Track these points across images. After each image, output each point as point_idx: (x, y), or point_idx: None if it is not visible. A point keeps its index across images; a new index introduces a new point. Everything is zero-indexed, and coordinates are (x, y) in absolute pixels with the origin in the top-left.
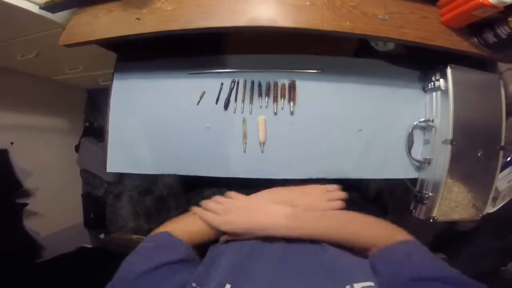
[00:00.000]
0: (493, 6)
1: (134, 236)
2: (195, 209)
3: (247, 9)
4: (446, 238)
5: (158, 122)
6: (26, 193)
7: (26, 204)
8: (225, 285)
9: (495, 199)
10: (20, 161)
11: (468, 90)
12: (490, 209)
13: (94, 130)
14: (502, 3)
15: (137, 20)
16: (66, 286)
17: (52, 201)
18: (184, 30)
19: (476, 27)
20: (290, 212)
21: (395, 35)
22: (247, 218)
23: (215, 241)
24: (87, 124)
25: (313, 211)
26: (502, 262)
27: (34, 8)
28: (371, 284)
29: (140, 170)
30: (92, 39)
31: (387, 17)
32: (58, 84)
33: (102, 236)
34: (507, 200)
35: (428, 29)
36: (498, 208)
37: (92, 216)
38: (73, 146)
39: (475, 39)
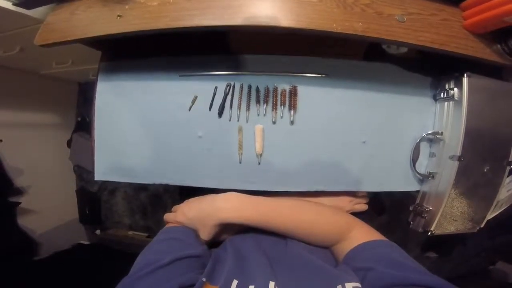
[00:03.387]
0: None
1: (130, 232)
2: (166, 215)
3: (244, 5)
4: (439, 238)
5: (148, 129)
6: (19, 191)
7: (18, 203)
8: (232, 281)
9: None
10: (10, 158)
11: (484, 102)
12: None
13: (87, 125)
14: None
15: (118, 18)
16: (65, 283)
17: (46, 198)
18: (171, 29)
19: (501, 33)
20: (240, 195)
21: (413, 40)
22: (198, 202)
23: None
24: (79, 118)
25: (266, 199)
26: (492, 261)
27: (7, 5)
28: (358, 285)
29: (130, 179)
30: (69, 38)
31: (405, 18)
32: (47, 78)
33: (98, 232)
34: (504, 208)
35: (448, 33)
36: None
37: (87, 211)
38: (65, 141)
39: (499, 46)
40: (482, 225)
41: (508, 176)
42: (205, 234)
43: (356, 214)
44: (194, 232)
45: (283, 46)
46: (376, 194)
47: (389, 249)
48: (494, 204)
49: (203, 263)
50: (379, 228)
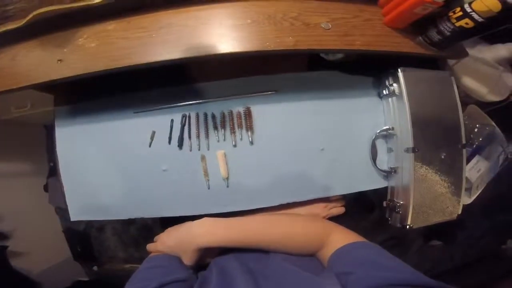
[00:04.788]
0: (432, 1)
1: (127, 265)
2: (149, 245)
3: (181, 37)
4: (439, 225)
5: (113, 168)
6: (3, 236)
7: (6, 246)
8: None
9: (469, 190)
10: None
11: (423, 92)
12: (467, 200)
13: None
14: None
15: (59, 62)
16: None
17: (34, 240)
18: (112, 69)
19: (420, 26)
20: (213, 219)
21: (341, 45)
22: (176, 231)
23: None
24: (51, 164)
25: (238, 219)
26: (500, 240)
27: None
28: None
29: (105, 216)
30: (15, 87)
31: (330, 25)
32: (11, 124)
33: (95, 268)
34: (481, 189)
35: (372, 33)
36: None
37: (79, 249)
38: (41, 186)
39: (421, 38)
40: (460, 211)
41: (474, 157)
42: (187, 259)
43: (343, 216)
44: (178, 258)
45: (231, 70)
46: (361, 193)
47: (366, 250)
48: (463, 188)
49: (190, 286)
50: (374, 225)
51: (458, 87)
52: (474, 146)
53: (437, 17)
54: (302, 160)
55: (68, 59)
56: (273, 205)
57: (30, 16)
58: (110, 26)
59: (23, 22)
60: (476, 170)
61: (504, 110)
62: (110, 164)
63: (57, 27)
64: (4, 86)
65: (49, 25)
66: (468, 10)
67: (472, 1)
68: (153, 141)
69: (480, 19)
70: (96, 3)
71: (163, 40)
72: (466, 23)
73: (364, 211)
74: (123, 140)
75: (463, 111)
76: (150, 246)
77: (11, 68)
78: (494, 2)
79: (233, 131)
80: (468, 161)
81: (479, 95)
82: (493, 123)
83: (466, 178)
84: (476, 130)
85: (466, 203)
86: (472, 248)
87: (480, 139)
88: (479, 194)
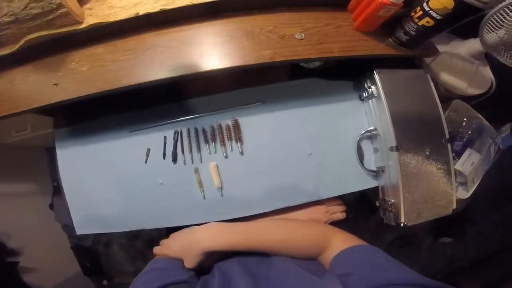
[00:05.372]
0: (392, 3)
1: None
2: (155, 248)
3: (167, 59)
4: (448, 222)
5: (113, 184)
6: (14, 252)
7: (17, 262)
8: None
9: (465, 184)
10: None
11: (400, 91)
12: (465, 194)
13: (61, 187)
14: None
15: (54, 86)
16: None
17: (44, 256)
18: (104, 92)
19: (389, 28)
20: (218, 224)
21: (315, 53)
22: (181, 235)
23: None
24: (55, 184)
25: (242, 223)
26: None
27: None
28: None
29: (108, 229)
30: (16, 111)
31: (303, 35)
32: (14, 148)
33: (105, 282)
34: (478, 182)
35: (344, 39)
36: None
37: (88, 265)
38: (47, 205)
39: (391, 40)
40: (454, 206)
41: (465, 151)
42: (191, 263)
43: (341, 221)
44: (180, 261)
45: (220, 84)
46: (362, 195)
47: (366, 252)
48: (453, 181)
49: None
50: (378, 226)
51: (437, 84)
52: (465, 139)
53: (402, 18)
54: (291, 166)
55: (63, 82)
56: (266, 211)
57: (23, 41)
58: (99, 49)
59: (17, 47)
60: (469, 163)
61: (488, 101)
62: (110, 181)
63: (50, 51)
64: (6, 111)
65: (42, 50)
66: (427, 8)
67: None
68: (148, 158)
69: (438, 17)
70: (81, 28)
71: (150, 61)
72: (427, 22)
73: (367, 212)
74: (121, 158)
75: (448, 106)
76: (156, 250)
77: (11, 93)
78: None
79: (223, 143)
80: (460, 155)
81: (459, 90)
82: (480, 116)
83: (460, 172)
84: (464, 124)
85: (464, 197)
86: (486, 243)
87: (469, 132)
88: (483, 187)
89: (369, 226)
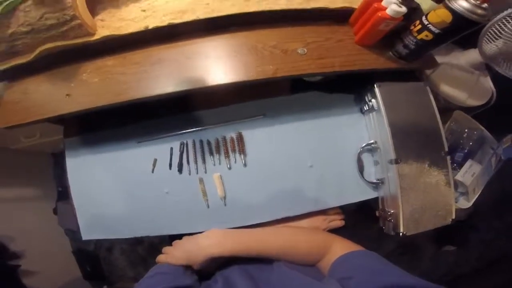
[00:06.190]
0: (392, 18)
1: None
2: (158, 257)
3: (171, 72)
4: (450, 230)
5: (120, 192)
6: (15, 255)
7: (18, 265)
8: None
9: (466, 194)
10: None
11: (400, 104)
12: (466, 204)
13: (68, 194)
14: (398, 13)
15: (67, 97)
16: None
17: (45, 259)
18: (114, 104)
19: (389, 41)
20: (222, 231)
21: (316, 68)
22: (185, 244)
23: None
24: (59, 189)
25: (244, 230)
26: None
27: None
28: None
29: (114, 235)
30: (29, 120)
31: (305, 50)
32: (20, 153)
33: (105, 287)
34: (479, 192)
35: (345, 53)
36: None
37: (89, 269)
38: (51, 209)
39: (391, 53)
40: (453, 216)
41: (467, 162)
42: (194, 267)
43: (341, 229)
44: (183, 267)
45: (224, 97)
46: (363, 204)
47: (365, 257)
48: (452, 193)
49: None
50: (379, 235)
51: (438, 95)
52: (466, 150)
53: (402, 32)
54: (292, 178)
55: (75, 93)
56: (267, 220)
57: (37, 51)
58: (109, 61)
59: (32, 56)
60: (470, 174)
61: (489, 112)
62: (118, 189)
63: (63, 62)
64: (19, 120)
65: (55, 60)
66: (426, 22)
67: (428, 13)
68: (155, 167)
69: (437, 31)
70: (94, 40)
71: (156, 75)
72: (426, 35)
73: (368, 221)
74: (129, 168)
75: (448, 117)
76: (160, 258)
77: (25, 102)
78: (445, 12)
79: (227, 155)
80: (461, 165)
81: (459, 101)
82: (481, 127)
83: (462, 182)
84: (465, 135)
85: (466, 207)
86: (488, 250)
87: (471, 143)
88: (485, 196)
89: (370, 235)
